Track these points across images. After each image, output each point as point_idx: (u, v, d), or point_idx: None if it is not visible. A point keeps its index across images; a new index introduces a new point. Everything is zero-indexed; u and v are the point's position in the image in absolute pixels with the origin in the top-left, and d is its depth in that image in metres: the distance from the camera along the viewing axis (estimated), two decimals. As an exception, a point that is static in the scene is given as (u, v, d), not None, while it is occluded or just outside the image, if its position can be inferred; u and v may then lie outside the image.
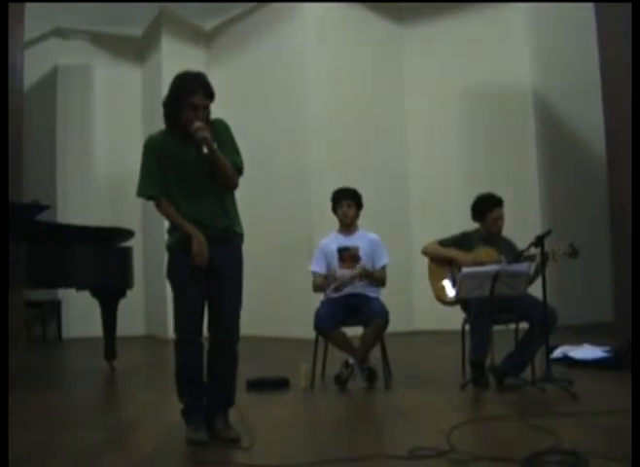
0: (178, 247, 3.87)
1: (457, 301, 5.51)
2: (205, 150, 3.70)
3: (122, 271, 7.28)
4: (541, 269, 5.12)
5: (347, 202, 5.89)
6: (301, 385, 5.64)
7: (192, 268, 3.78)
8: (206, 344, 3.96)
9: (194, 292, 3.85)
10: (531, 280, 5.29)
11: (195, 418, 3.90)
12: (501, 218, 5.73)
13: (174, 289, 3.91)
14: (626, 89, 6.92)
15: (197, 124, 3.69)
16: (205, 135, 3.68)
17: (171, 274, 3.94)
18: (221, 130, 3.95)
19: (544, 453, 3.12)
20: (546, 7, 10.53)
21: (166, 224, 3.98)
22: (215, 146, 3.76)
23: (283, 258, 10.39)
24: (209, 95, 3.85)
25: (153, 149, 3.91)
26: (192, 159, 3.83)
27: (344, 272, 5.66)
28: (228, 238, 3.93)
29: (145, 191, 3.90)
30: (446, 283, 5.71)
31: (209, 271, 3.85)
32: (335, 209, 5.98)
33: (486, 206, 5.76)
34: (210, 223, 3.86)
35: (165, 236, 4.03)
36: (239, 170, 3.96)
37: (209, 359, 3.97)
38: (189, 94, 3.78)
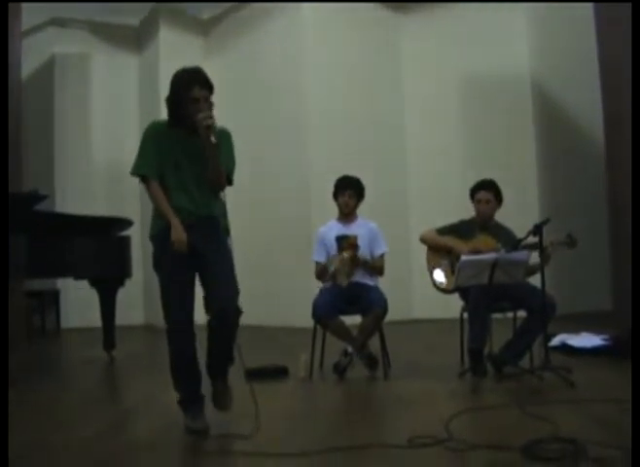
0: (161, 237, 3.94)
1: (456, 289, 5.52)
2: (213, 139, 3.79)
3: (120, 261, 7.29)
4: (540, 256, 5.12)
5: (349, 192, 5.90)
6: (300, 374, 5.64)
7: (175, 256, 3.86)
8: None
9: (181, 280, 3.94)
10: (534, 272, 5.30)
11: (193, 407, 3.96)
12: (486, 201, 5.74)
13: (161, 279, 3.99)
14: (625, 77, 6.91)
15: (203, 113, 3.80)
16: (210, 123, 3.78)
17: (157, 265, 4.03)
18: (222, 138, 4.03)
19: (542, 441, 3.13)
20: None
21: None
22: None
23: (282, 247, 10.39)
24: (206, 86, 3.93)
25: (153, 134, 4.03)
26: (189, 152, 3.96)
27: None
28: (208, 225, 4.02)
29: (138, 170, 4.02)
30: (438, 272, 5.72)
31: (194, 256, 3.92)
32: (336, 196, 5.98)
33: (474, 188, 5.85)
34: (192, 209, 3.96)
35: None
36: (229, 178, 4.08)
37: (209, 335, 4.01)
38: (186, 89, 3.88)
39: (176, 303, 3.95)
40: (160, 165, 3.97)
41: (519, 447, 3.06)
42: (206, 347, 4.05)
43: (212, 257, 3.95)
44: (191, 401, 3.99)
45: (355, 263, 5.60)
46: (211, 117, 3.81)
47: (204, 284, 4.01)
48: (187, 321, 3.96)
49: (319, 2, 10.63)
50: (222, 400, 4.08)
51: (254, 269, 9.90)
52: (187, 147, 3.96)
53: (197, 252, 3.92)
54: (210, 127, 3.78)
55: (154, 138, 4.02)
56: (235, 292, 3.96)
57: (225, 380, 4.11)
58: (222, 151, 3.99)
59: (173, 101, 3.97)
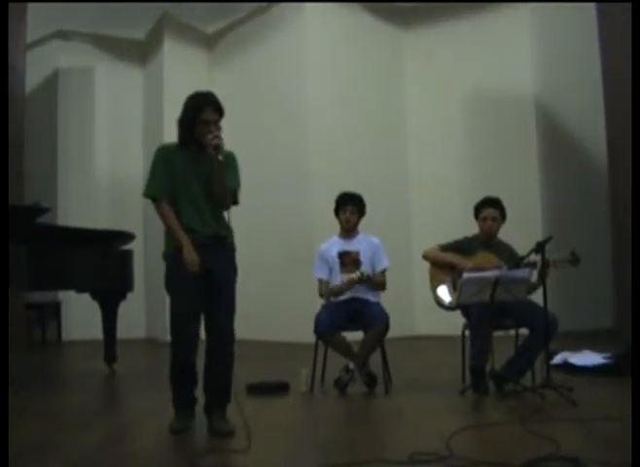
0: (173, 255, 4.14)
1: (457, 306, 5.51)
2: (220, 157, 4.00)
3: (122, 274, 7.29)
4: (542, 275, 5.12)
5: (351, 208, 5.89)
6: (301, 390, 5.64)
7: (187, 275, 4.04)
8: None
9: (190, 302, 4.10)
10: (534, 288, 5.30)
11: (183, 409, 4.20)
12: (491, 219, 5.73)
13: (171, 295, 4.17)
14: (628, 93, 6.93)
15: (212, 134, 4.01)
16: (218, 143, 4.00)
17: (168, 283, 4.21)
18: (229, 160, 4.23)
19: (543, 460, 3.12)
20: (548, 11, 10.53)
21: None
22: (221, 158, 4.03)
23: (284, 262, 10.39)
24: (218, 110, 4.15)
25: (164, 156, 4.24)
26: (198, 172, 4.14)
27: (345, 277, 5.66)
28: (218, 244, 4.20)
29: (149, 191, 4.21)
30: (442, 289, 5.71)
31: (204, 278, 4.11)
32: (337, 213, 5.98)
33: (478, 206, 5.84)
34: (201, 230, 4.14)
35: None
36: (235, 199, 4.30)
37: (207, 359, 4.22)
38: (199, 111, 4.10)
39: (185, 324, 4.09)
40: (171, 186, 4.16)
41: (521, 464, 3.05)
42: (203, 382, 4.25)
43: (221, 281, 4.16)
44: (181, 403, 4.21)
45: (360, 280, 5.61)
46: (219, 137, 4.01)
47: (206, 309, 4.19)
48: (193, 340, 4.11)
49: (323, 16, 10.67)
50: (222, 428, 4.12)
51: (255, 285, 9.90)
52: (196, 166, 4.15)
53: (207, 272, 4.11)
54: (218, 147, 3.98)
55: (164, 160, 4.22)
56: (233, 318, 4.18)
57: (224, 419, 4.19)
58: (228, 172, 4.18)
59: (185, 122, 4.17)
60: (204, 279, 4.11)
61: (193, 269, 4.02)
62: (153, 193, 4.19)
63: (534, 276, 5.23)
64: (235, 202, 4.29)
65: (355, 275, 5.57)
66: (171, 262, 4.17)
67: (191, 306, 4.09)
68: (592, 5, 9.13)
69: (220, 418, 4.16)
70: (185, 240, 4.06)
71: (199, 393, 4.32)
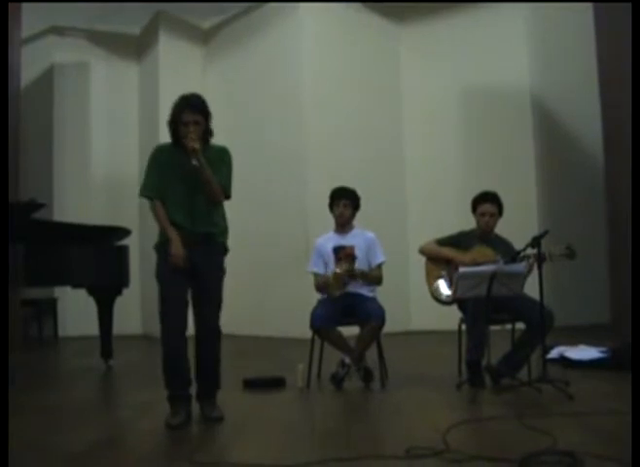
0: (162, 248, 4.35)
1: (454, 300, 5.51)
2: (194, 161, 4.14)
3: (118, 270, 7.30)
4: (537, 269, 5.11)
5: (344, 202, 5.87)
6: (297, 385, 5.64)
7: (172, 268, 4.26)
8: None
9: (176, 290, 4.31)
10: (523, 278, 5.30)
11: (177, 404, 4.31)
12: (489, 214, 5.73)
13: (159, 286, 4.36)
14: (624, 89, 6.93)
15: (190, 136, 4.18)
16: (194, 146, 4.13)
17: (158, 272, 4.43)
18: (221, 155, 4.49)
19: (540, 454, 3.12)
20: (545, 7, 10.53)
21: None
22: (203, 160, 4.19)
23: (280, 258, 10.36)
24: (197, 111, 4.30)
25: (157, 157, 4.47)
26: (187, 170, 4.26)
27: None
28: (207, 243, 4.38)
29: (144, 191, 4.46)
30: (441, 282, 5.71)
31: (190, 272, 4.29)
32: (331, 207, 5.97)
33: (476, 201, 5.84)
34: (191, 227, 4.36)
35: None
36: (226, 193, 4.46)
37: (195, 352, 4.44)
38: (178, 113, 4.30)
39: (171, 311, 4.28)
40: (162, 185, 4.36)
41: (517, 459, 3.05)
42: (194, 370, 4.43)
43: (205, 277, 4.36)
44: (176, 399, 4.33)
45: (351, 275, 5.59)
46: (194, 140, 4.16)
47: (194, 301, 4.40)
48: (180, 328, 4.30)
49: (319, 12, 10.64)
50: (209, 414, 4.38)
51: (252, 281, 9.88)
52: (184, 166, 4.26)
53: (193, 269, 4.29)
54: (194, 150, 4.12)
55: (156, 160, 4.45)
56: (218, 312, 4.41)
57: (213, 406, 4.44)
58: (218, 168, 4.35)
59: (171, 124, 4.36)
60: (190, 274, 4.30)
61: (177, 263, 4.21)
62: (147, 193, 4.42)
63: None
64: (227, 197, 4.46)
65: (340, 269, 5.58)
66: (161, 253, 4.37)
67: (177, 294, 4.29)
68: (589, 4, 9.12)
69: (209, 405, 4.40)
70: (173, 235, 4.26)
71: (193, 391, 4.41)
